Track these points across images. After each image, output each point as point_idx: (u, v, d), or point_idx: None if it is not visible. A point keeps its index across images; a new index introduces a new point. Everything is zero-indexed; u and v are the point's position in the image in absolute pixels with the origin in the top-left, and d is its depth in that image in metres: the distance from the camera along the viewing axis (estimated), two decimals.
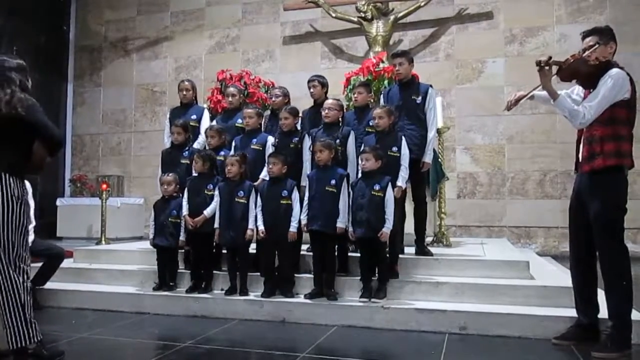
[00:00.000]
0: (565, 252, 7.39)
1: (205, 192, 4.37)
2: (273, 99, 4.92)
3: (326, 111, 4.38)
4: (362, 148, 4.17)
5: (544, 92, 3.18)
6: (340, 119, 4.47)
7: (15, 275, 2.77)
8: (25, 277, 2.84)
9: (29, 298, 2.81)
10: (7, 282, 2.76)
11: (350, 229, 3.97)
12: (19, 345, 2.75)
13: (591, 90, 3.06)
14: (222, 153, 4.62)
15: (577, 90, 3.30)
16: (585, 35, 3.15)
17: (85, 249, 5.71)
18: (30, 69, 3.06)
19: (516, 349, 3.22)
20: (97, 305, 4.34)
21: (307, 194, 4.12)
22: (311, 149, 4.33)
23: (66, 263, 4.75)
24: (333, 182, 4.02)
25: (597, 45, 3.03)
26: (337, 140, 4.28)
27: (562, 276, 4.65)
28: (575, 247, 3.25)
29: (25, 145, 2.85)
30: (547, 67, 3.01)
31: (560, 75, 3.08)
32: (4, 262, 2.77)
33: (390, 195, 3.90)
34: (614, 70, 2.99)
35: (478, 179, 8.18)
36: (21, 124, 2.78)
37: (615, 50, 3.15)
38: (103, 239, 7.71)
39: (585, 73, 3.04)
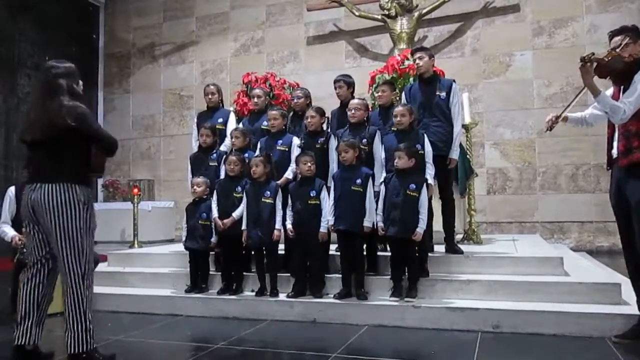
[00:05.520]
0: (600, 246, 7.37)
1: (234, 194, 4.41)
2: (295, 100, 4.92)
3: (352, 111, 4.37)
4: (384, 147, 4.16)
5: (577, 114, 3.45)
6: (365, 118, 4.45)
7: (81, 282, 2.81)
8: (90, 283, 2.87)
9: (91, 305, 2.84)
10: (73, 288, 2.79)
11: (381, 224, 3.95)
12: (76, 351, 2.78)
13: (621, 87, 3.06)
14: (246, 155, 4.64)
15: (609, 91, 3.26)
16: (614, 34, 3.16)
17: (119, 253, 5.82)
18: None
19: (551, 348, 3.16)
20: (132, 308, 4.42)
21: (332, 194, 4.12)
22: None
23: (101, 267, 4.86)
24: (359, 181, 4.01)
25: (628, 41, 3.04)
26: (364, 140, 4.27)
27: (597, 272, 4.55)
28: (627, 241, 3.16)
29: (83, 151, 2.92)
30: (589, 64, 3.00)
31: (597, 72, 3.08)
32: (72, 268, 2.80)
33: (424, 195, 3.88)
34: None
35: (508, 174, 8.06)
36: (75, 133, 2.83)
37: None
38: (135, 242, 7.85)
39: (621, 70, 3.04)
